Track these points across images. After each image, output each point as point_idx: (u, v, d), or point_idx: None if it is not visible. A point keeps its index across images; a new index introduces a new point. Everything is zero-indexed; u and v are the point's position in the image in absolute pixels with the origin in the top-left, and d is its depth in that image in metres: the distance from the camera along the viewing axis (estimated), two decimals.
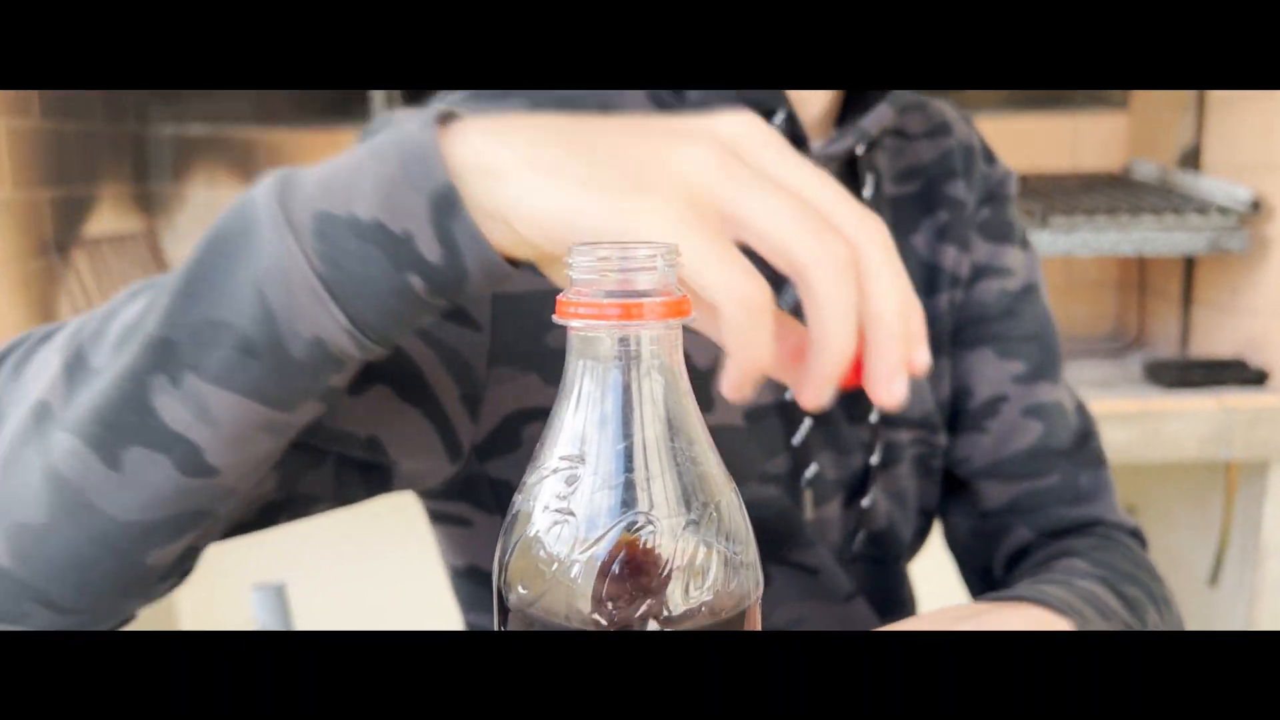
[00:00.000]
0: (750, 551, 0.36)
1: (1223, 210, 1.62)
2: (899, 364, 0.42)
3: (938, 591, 0.80)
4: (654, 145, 0.41)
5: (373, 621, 1.47)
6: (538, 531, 0.34)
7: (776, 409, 0.66)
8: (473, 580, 0.70)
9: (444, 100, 0.61)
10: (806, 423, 0.66)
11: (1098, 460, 0.75)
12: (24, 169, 1.64)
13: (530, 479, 0.35)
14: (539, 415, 0.56)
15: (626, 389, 0.34)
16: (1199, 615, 1.65)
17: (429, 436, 0.58)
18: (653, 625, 0.34)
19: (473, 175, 0.41)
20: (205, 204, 2.05)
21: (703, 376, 0.52)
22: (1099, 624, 0.55)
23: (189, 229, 2.05)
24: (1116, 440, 1.52)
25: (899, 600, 0.75)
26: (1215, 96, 1.76)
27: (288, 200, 0.42)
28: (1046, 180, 1.89)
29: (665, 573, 0.34)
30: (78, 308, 1.73)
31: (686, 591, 0.34)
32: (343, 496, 0.56)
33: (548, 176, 0.40)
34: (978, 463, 0.74)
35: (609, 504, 0.34)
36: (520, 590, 0.35)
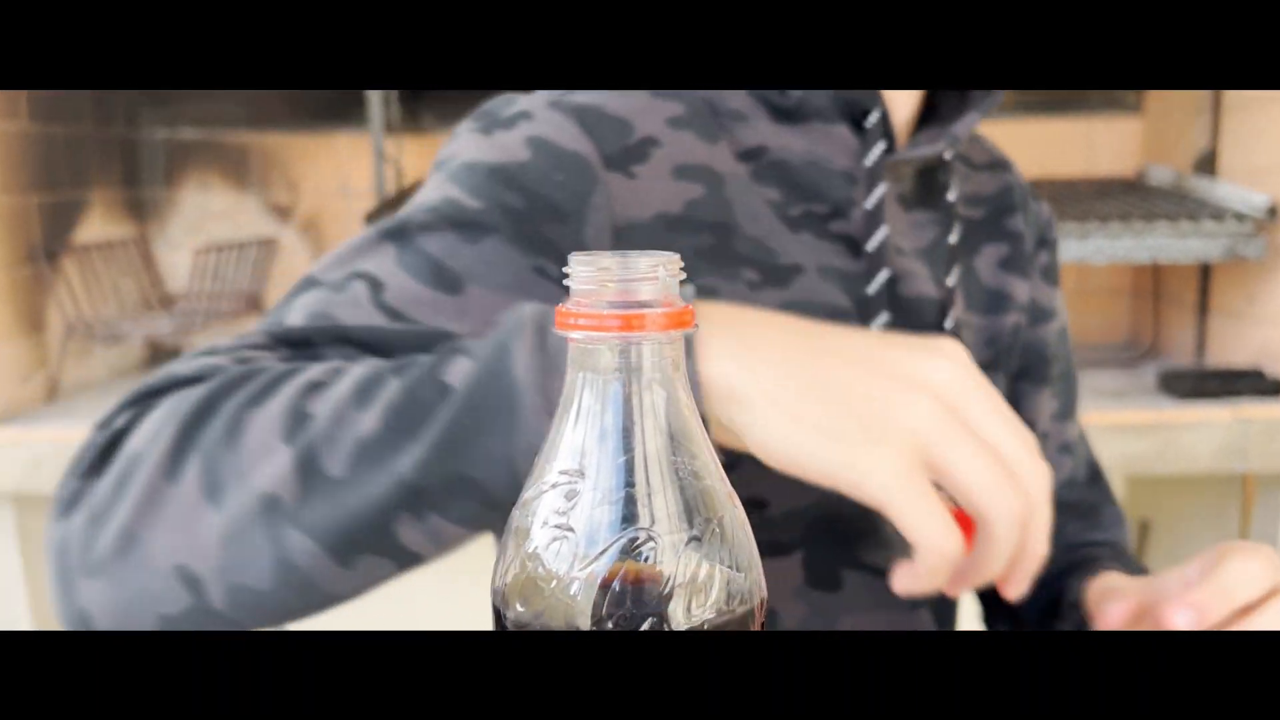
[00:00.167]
0: (754, 569, 0.36)
1: (1239, 216, 1.62)
2: (1030, 577, 0.52)
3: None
4: (881, 391, 0.47)
5: None
6: (536, 548, 0.34)
7: None
8: None
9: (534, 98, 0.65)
10: None
11: (1110, 493, 0.83)
12: (11, 173, 1.64)
13: (528, 494, 0.35)
14: None
15: (627, 402, 0.34)
16: None
17: None
18: None
19: (719, 396, 0.48)
20: (197, 209, 2.05)
21: None
22: None
23: (181, 235, 2.05)
24: (1130, 452, 1.52)
25: (952, 606, 0.76)
26: (1231, 100, 1.76)
27: (549, 387, 0.47)
28: (1059, 185, 1.89)
29: (667, 590, 0.34)
30: (66, 316, 1.74)
31: (688, 609, 0.34)
32: None
33: (788, 418, 0.47)
34: None
35: (609, 520, 0.34)
36: (518, 608, 0.35)
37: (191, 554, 0.50)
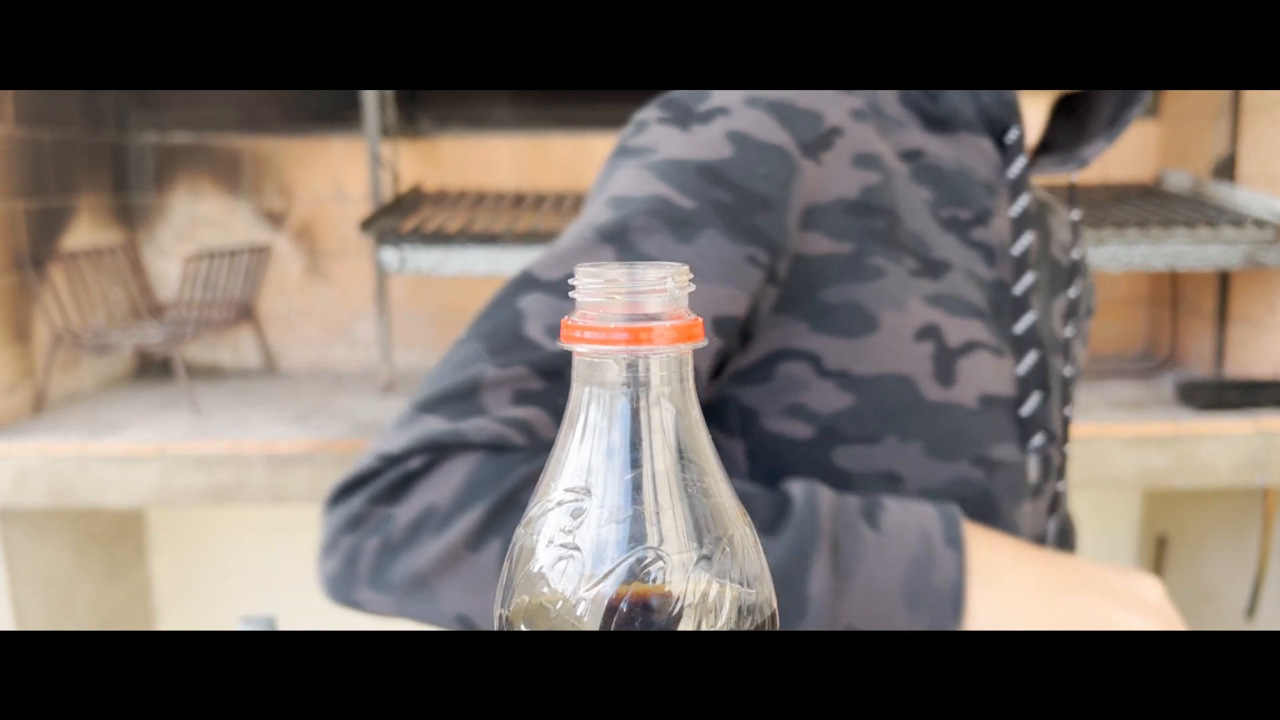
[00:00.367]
0: (765, 587, 0.36)
1: (1259, 223, 1.62)
2: None
3: None
4: (1119, 616, 0.64)
5: None
6: (541, 567, 0.34)
7: (1013, 404, 0.73)
8: None
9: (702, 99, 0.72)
10: (1034, 410, 0.74)
11: None
12: None
13: (534, 512, 0.35)
14: (794, 355, 0.69)
15: (635, 417, 0.34)
16: None
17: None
18: None
19: (983, 606, 0.63)
20: (188, 216, 2.06)
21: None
22: None
23: (171, 242, 2.05)
24: (1147, 465, 1.52)
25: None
26: (1250, 103, 1.76)
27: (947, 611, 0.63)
28: (1075, 191, 1.89)
29: (676, 611, 0.34)
30: (54, 326, 1.74)
31: (699, 630, 0.34)
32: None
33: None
34: None
35: (616, 538, 0.34)
36: (523, 629, 0.35)
37: (476, 609, 0.61)
